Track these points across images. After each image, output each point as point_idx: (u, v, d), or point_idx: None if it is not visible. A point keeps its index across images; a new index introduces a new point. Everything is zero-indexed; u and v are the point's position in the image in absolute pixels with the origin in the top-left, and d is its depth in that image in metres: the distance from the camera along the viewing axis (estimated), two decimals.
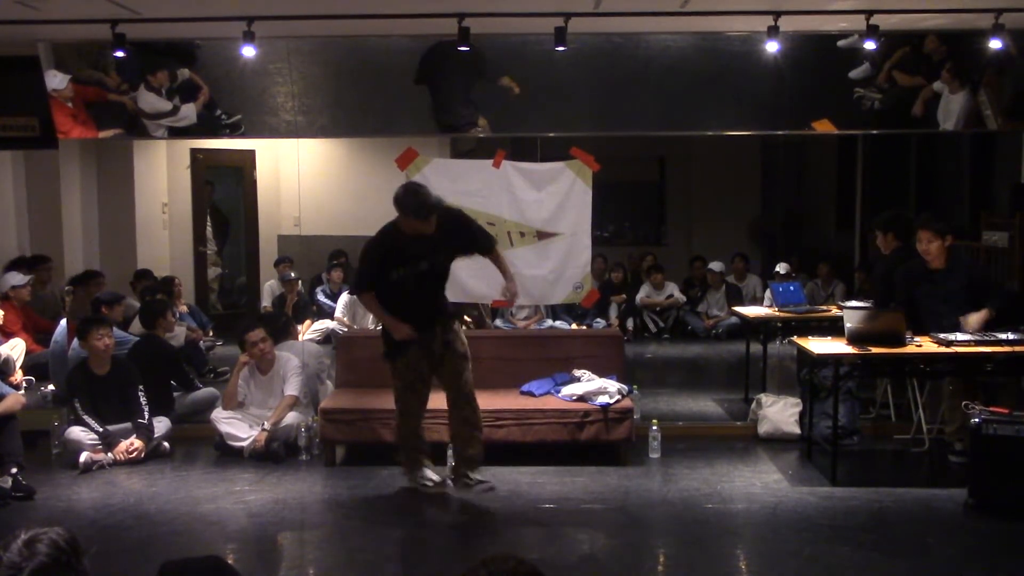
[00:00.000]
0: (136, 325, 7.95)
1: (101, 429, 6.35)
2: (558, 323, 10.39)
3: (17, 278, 8.48)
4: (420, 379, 5.67)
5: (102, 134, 7.49)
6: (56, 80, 7.17)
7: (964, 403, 5.70)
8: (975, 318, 6.01)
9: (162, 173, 10.88)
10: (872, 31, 6.44)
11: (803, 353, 6.56)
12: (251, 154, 11.44)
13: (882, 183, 11.44)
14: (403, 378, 5.64)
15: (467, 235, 5.61)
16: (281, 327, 7.46)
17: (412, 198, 5.31)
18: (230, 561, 4.74)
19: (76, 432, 6.32)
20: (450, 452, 5.98)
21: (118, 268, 9.85)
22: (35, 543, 1.94)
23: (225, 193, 11.85)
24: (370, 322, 9.82)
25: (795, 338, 6.60)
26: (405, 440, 5.82)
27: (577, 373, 6.70)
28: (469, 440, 5.75)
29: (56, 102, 7.23)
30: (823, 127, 7.36)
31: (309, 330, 9.73)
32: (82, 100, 7.30)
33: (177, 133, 7.63)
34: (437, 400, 6.48)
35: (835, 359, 5.93)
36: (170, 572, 2.27)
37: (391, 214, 5.44)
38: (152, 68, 7.26)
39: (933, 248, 6.12)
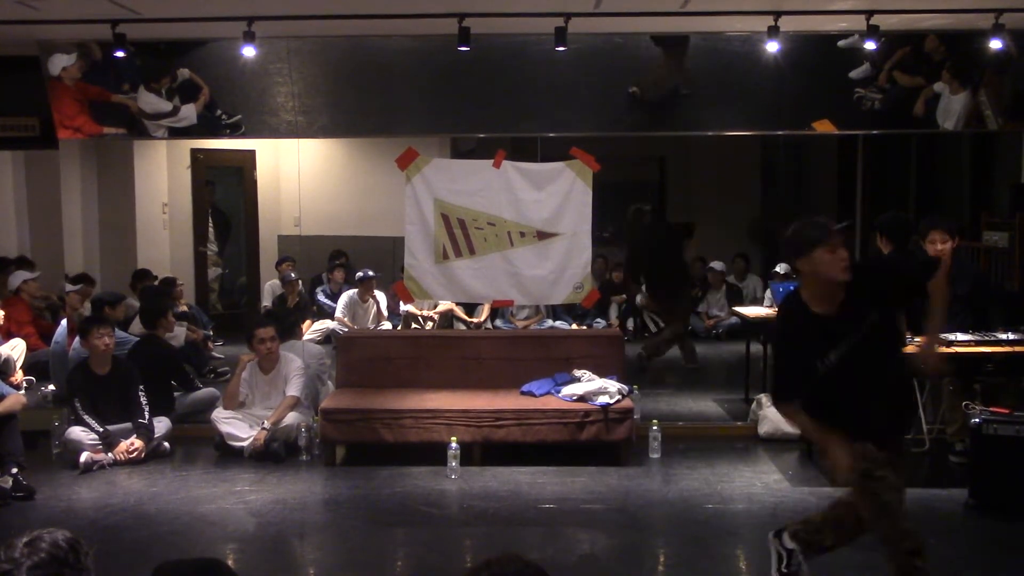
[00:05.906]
0: (136, 325, 7.95)
1: (101, 429, 6.35)
2: (558, 323, 10.39)
3: (26, 274, 8.52)
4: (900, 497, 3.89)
5: (104, 130, 7.48)
6: (62, 60, 7.14)
7: (964, 403, 5.70)
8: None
9: (162, 173, 10.87)
10: (872, 31, 6.45)
11: None
12: (251, 154, 11.43)
13: (882, 183, 11.42)
14: (882, 495, 3.82)
15: (894, 274, 4.29)
16: (289, 326, 7.46)
17: (802, 228, 4.03)
18: (230, 561, 4.74)
19: (76, 432, 6.32)
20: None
21: (118, 268, 9.84)
22: (36, 541, 2.00)
23: (225, 193, 11.84)
24: (370, 320, 9.84)
25: None
26: (893, 535, 3.85)
27: (577, 373, 6.70)
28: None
29: (58, 94, 7.19)
30: (823, 127, 7.36)
31: (309, 330, 9.72)
32: (86, 98, 7.30)
33: (177, 133, 7.64)
34: (439, 400, 6.51)
35: None
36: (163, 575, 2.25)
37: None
38: (156, 74, 7.26)
39: (946, 249, 6.06)
